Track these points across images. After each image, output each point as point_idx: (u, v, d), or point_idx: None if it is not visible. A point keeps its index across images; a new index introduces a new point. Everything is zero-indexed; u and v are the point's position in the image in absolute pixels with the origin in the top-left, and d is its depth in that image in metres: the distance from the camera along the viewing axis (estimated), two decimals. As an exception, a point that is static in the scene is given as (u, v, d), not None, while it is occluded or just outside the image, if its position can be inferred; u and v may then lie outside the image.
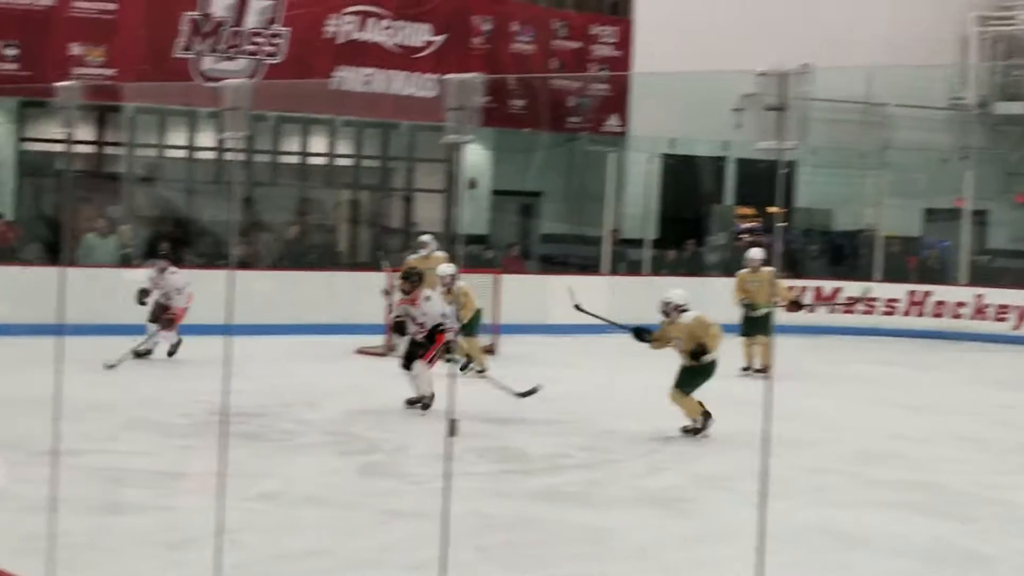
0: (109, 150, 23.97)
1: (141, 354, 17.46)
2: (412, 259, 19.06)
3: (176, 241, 22.40)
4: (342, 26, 23.50)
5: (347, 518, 10.21)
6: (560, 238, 25.81)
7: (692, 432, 13.85)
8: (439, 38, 24.18)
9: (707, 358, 13.78)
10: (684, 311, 13.97)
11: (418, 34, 24.13)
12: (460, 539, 9.54)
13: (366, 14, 23.62)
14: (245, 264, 21.64)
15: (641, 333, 14.28)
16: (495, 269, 21.18)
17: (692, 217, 27.17)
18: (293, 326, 19.95)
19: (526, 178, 26.37)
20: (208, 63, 22.24)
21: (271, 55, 22.74)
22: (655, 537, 9.96)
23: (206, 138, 23.98)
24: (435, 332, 14.80)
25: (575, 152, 26.55)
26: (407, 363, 14.83)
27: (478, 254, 23.44)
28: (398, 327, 15.28)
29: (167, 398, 14.35)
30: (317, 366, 17.54)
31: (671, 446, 13.48)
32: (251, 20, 22.58)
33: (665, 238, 26.12)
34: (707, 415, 13.90)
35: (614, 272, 23.94)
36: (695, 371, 13.85)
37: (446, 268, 17.68)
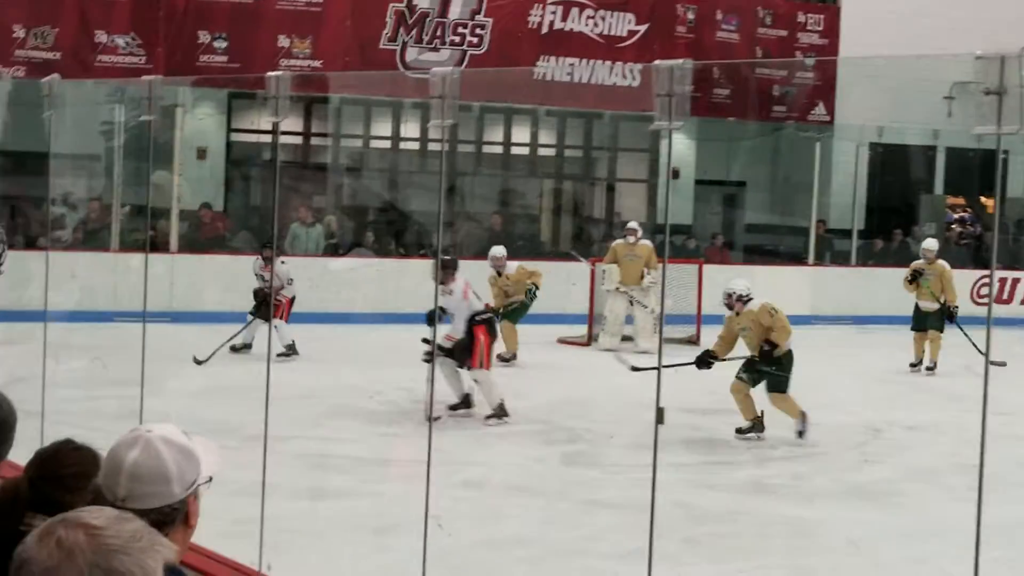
0: (315, 140, 24.32)
1: (238, 348, 16.38)
2: (618, 244, 18.96)
3: (380, 231, 22.66)
4: (545, 16, 23.50)
5: (551, 507, 10.19)
6: (765, 228, 25.50)
7: (747, 432, 12.94)
8: (642, 27, 24.03)
9: (779, 351, 13.01)
10: (748, 300, 13.22)
11: (621, 23, 24.01)
12: (666, 530, 9.46)
13: (569, 4, 23.58)
14: (448, 254, 21.76)
15: (705, 360, 13.27)
16: (698, 259, 21.00)
17: (900, 207, 26.64)
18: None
19: (730, 167, 26.12)
20: (413, 54, 22.40)
21: (475, 46, 22.83)
22: (866, 532, 9.76)
23: (411, 128, 24.19)
24: (473, 326, 13.44)
25: (780, 141, 26.20)
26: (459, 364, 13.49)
27: (681, 244, 23.25)
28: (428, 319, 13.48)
29: (368, 386, 14.45)
30: (520, 354, 17.52)
31: (880, 439, 13.20)
32: (455, 11, 22.70)
33: (872, 228, 25.63)
34: (760, 422, 12.95)
35: (819, 263, 23.58)
36: (772, 365, 12.95)
37: (498, 249, 17.61)
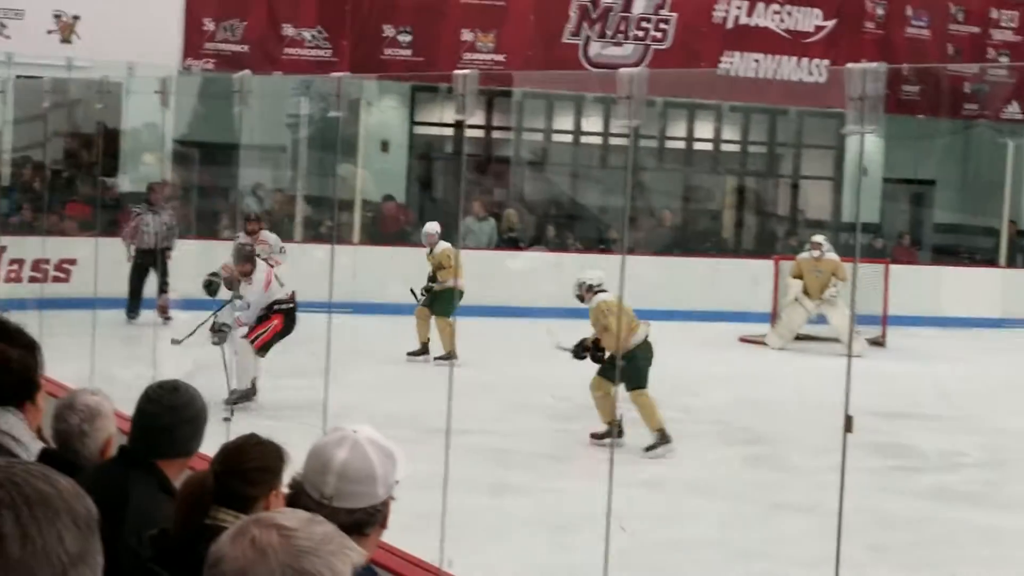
0: (497, 134, 24.35)
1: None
2: (803, 259, 18.63)
3: (561, 226, 22.60)
4: (731, 11, 23.23)
5: (734, 509, 10.03)
6: (954, 228, 24.93)
7: (602, 437, 11.47)
8: (830, 23, 23.64)
9: (609, 351, 11.80)
10: (600, 291, 12.04)
11: (808, 19, 23.65)
12: (852, 536, 9.24)
13: (755, -1, 23.32)
14: (630, 250, 21.64)
15: (580, 349, 12.34)
16: (885, 259, 20.59)
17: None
18: (676, 312, 19.78)
19: (919, 166, 25.55)
20: (595, 48, 22.30)
21: (658, 40, 22.65)
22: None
23: (593, 123, 24.09)
24: (272, 313, 12.92)
25: (972, 140, 25.60)
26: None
27: (868, 243, 22.83)
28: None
29: (548, 380, 14.37)
30: (700, 353, 17.34)
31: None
32: (639, 6, 22.54)
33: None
34: (619, 428, 11.25)
35: (1011, 264, 22.98)
36: (625, 360, 11.51)
37: (430, 226, 16.68)
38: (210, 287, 13.82)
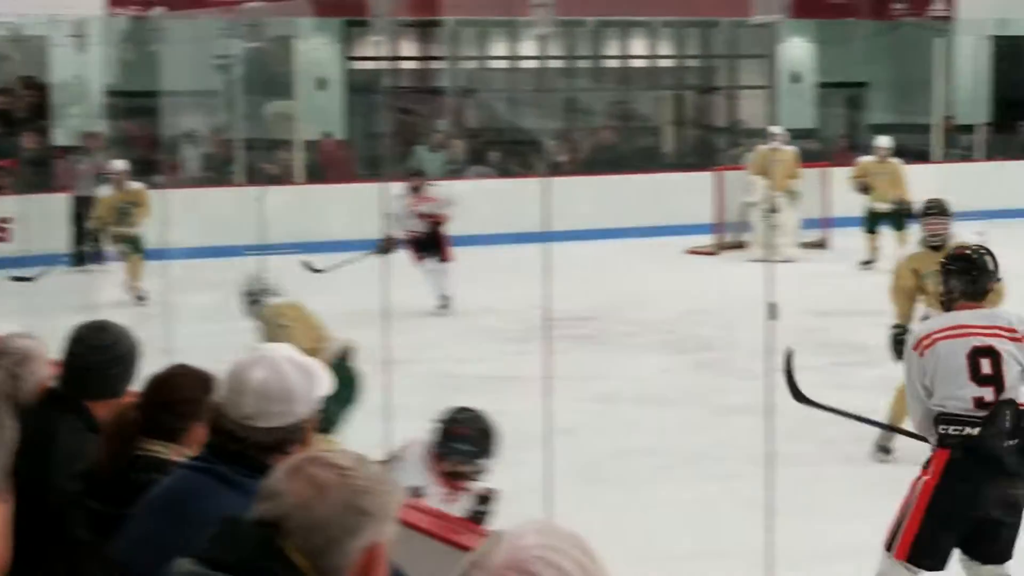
0: (433, 64, 24.34)
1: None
2: (761, 150, 18.69)
3: (502, 150, 22.64)
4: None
5: (683, 415, 10.22)
6: (888, 128, 25.10)
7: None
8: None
9: None
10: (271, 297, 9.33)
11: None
12: (802, 433, 9.46)
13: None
14: (565, 171, 21.74)
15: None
16: (823, 162, 20.77)
17: (1027, 99, 26.14)
18: (620, 229, 19.93)
19: (851, 69, 25.70)
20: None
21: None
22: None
23: (528, 47, 24.10)
24: None
25: (900, 39, 25.74)
26: None
27: (805, 148, 22.97)
28: None
29: (501, 305, 14.49)
30: (647, 267, 17.50)
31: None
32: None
33: (998, 123, 25.16)
34: None
35: (946, 160, 23.19)
36: None
37: (116, 164, 16.07)
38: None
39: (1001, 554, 5.72)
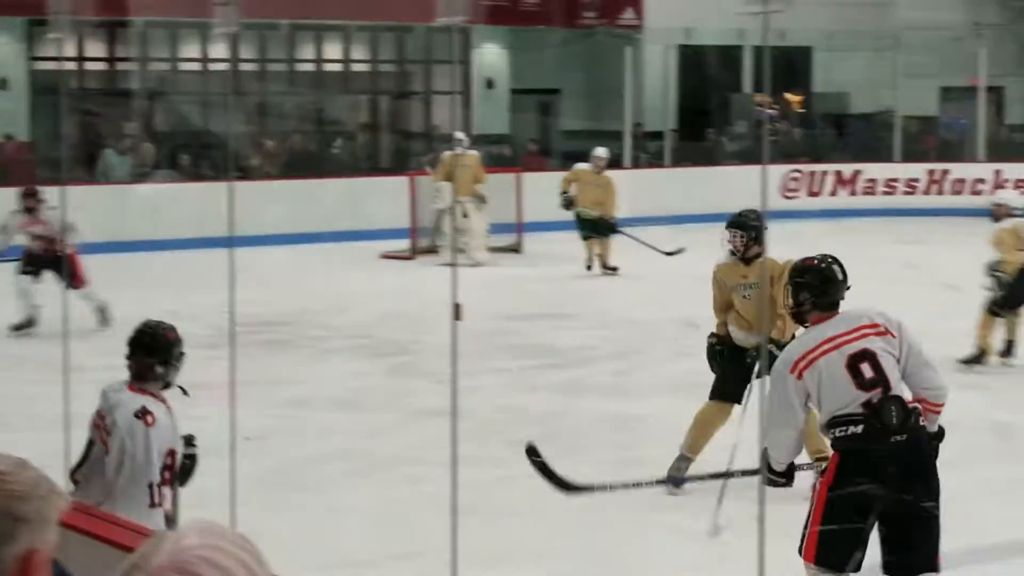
0: (121, 65, 23.85)
1: (20, 327, 13.25)
2: (448, 156, 18.86)
3: (194, 155, 22.30)
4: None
5: (378, 419, 10.23)
6: (580, 134, 25.63)
7: None
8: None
9: None
10: None
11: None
12: (492, 434, 9.57)
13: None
14: (258, 175, 21.59)
15: None
16: (516, 168, 21.06)
17: (711, 107, 26.98)
18: (315, 234, 19.87)
19: (543, 75, 26.15)
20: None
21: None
22: (683, 422, 9.95)
23: (220, 50, 23.81)
24: None
25: (592, 47, 26.30)
26: None
27: (498, 153, 23.29)
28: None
29: (189, 311, 14.25)
30: (343, 273, 17.48)
31: (699, 333, 13.42)
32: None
33: (685, 129, 25.94)
34: None
35: (636, 165, 23.79)
36: None
37: None
38: None
39: (924, 564, 5.63)
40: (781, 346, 7.37)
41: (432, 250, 18.73)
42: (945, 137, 27.22)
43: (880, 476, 5.56)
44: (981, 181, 24.19)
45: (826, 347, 5.66)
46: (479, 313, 13.55)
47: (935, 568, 5.64)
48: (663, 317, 14.14)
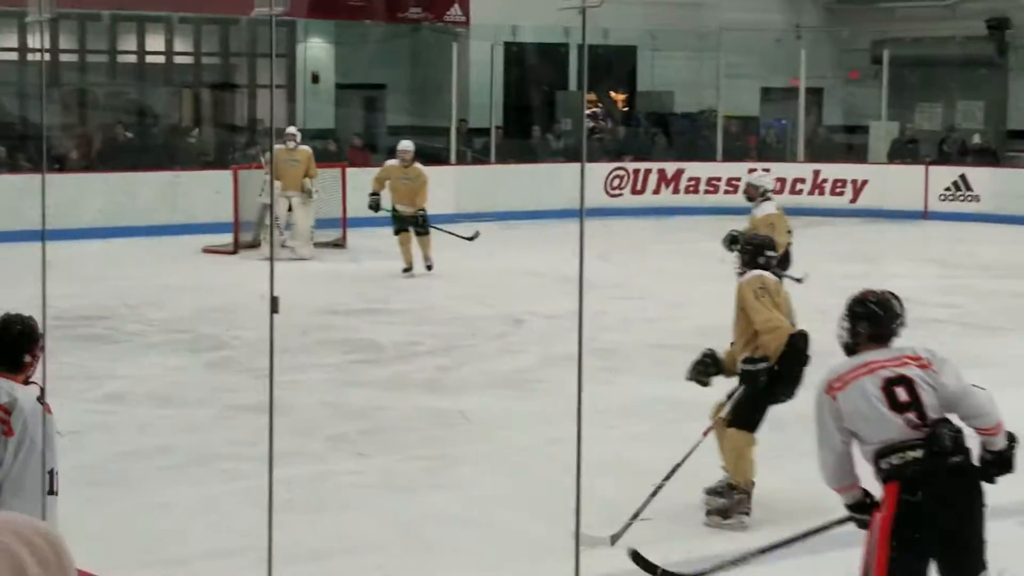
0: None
1: None
2: (278, 149, 18.67)
3: (8, 146, 21.79)
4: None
5: (195, 414, 10.11)
6: (406, 130, 25.59)
7: None
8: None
9: None
10: None
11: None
12: (312, 429, 9.52)
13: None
14: (75, 167, 21.22)
15: None
16: (341, 163, 20.96)
17: (537, 105, 27.12)
18: (134, 228, 19.59)
19: (369, 71, 26.08)
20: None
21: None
22: (506, 419, 10.00)
23: (37, 39, 23.32)
24: None
25: (418, 43, 26.30)
26: None
27: (323, 148, 23.16)
28: None
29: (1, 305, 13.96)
30: (163, 266, 17.24)
31: (522, 329, 13.51)
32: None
33: (511, 127, 26.05)
34: None
35: (461, 162, 23.82)
36: None
37: None
38: None
39: (973, 567, 5.59)
40: (755, 360, 7.69)
41: (255, 244, 18.57)
42: (765, 137, 27.71)
43: (942, 495, 5.51)
44: (801, 181, 24.68)
45: (863, 371, 5.65)
46: (303, 308, 13.49)
47: (984, 566, 5.63)
48: (488, 314, 14.19)
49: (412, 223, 16.92)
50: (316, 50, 25.82)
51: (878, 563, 5.53)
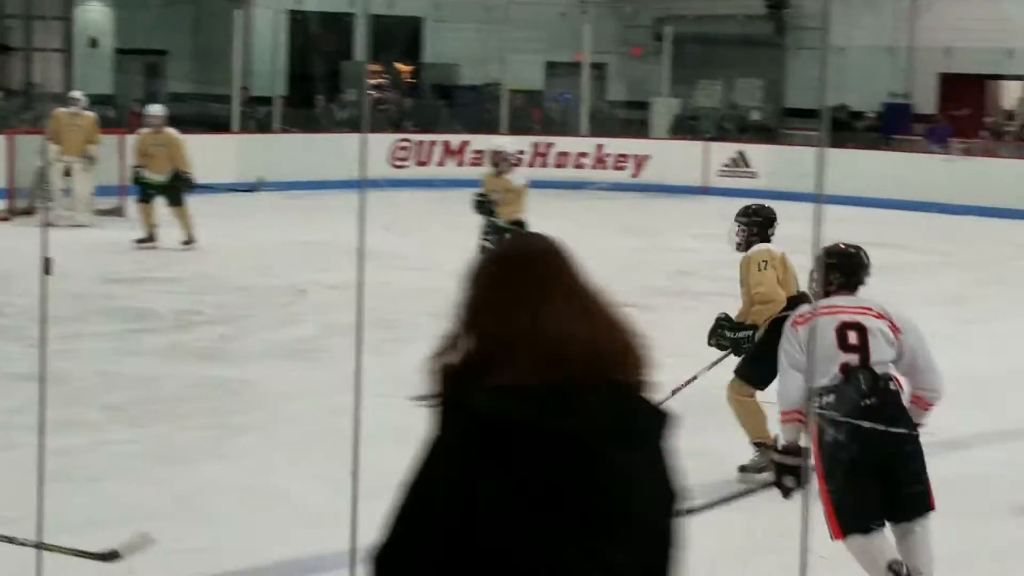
0: None
1: None
2: (60, 112, 18.21)
3: None
4: None
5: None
6: (187, 97, 25.23)
7: None
8: None
9: None
10: None
11: None
12: (87, 399, 9.33)
13: None
14: None
15: None
16: (120, 130, 20.53)
17: (321, 74, 26.94)
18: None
19: (150, 36, 25.62)
20: None
21: None
22: (288, 388, 9.94)
23: None
24: None
25: (200, 9, 25.92)
26: None
27: (102, 114, 22.68)
28: None
29: None
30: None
31: (304, 299, 13.43)
32: None
33: (295, 96, 25.85)
34: None
35: (244, 130, 23.54)
36: None
37: None
38: None
39: (916, 507, 5.76)
40: (736, 326, 8.24)
41: (29, 211, 18.08)
42: (549, 111, 27.95)
43: (856, 428, 5.70)
44: (584, 155, 24.96)
45: (825, 312, 6.02)
46: (80, 276, 13.21)
47: (930, 506, 5.80)
48: (271, 283, 14.06)
49: (163, 192, 16.55)
50: (95, 13, 25.30)
51: (824, 503, 5.75)
